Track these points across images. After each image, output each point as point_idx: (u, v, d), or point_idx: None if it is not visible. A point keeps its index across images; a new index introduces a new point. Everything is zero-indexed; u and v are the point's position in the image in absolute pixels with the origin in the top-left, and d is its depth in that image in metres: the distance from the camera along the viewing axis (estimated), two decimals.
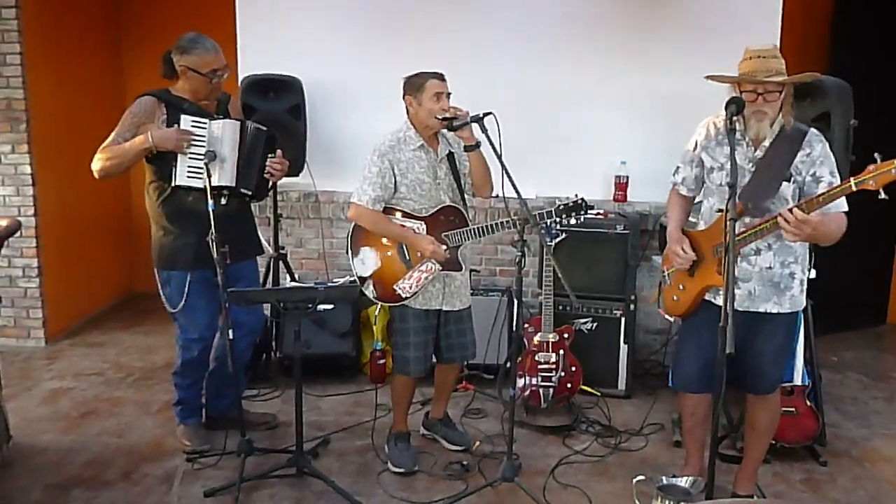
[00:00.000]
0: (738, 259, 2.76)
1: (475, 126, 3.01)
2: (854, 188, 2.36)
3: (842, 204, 2.60)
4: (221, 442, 3.39)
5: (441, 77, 3.16)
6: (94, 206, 5.41)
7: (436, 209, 3.21)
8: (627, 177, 4.45)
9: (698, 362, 2.92)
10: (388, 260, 3.23)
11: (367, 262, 3.25)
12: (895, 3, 5.11)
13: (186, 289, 3.25)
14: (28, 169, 4.73)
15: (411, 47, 4.38)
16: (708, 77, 2.72)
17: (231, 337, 3.06)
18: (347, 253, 3.29)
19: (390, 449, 3.41)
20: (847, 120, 3.34)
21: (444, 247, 3.17)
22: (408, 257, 3.21)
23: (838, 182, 2.60)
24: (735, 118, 2.57)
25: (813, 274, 3.70)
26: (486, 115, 2.99)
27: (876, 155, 2.38)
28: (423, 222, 3.20)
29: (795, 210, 2.44)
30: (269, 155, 3.36)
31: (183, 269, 3.25)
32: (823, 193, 2.47)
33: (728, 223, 2.43)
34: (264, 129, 3.36)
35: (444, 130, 3.21)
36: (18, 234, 4.43)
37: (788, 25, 4.31)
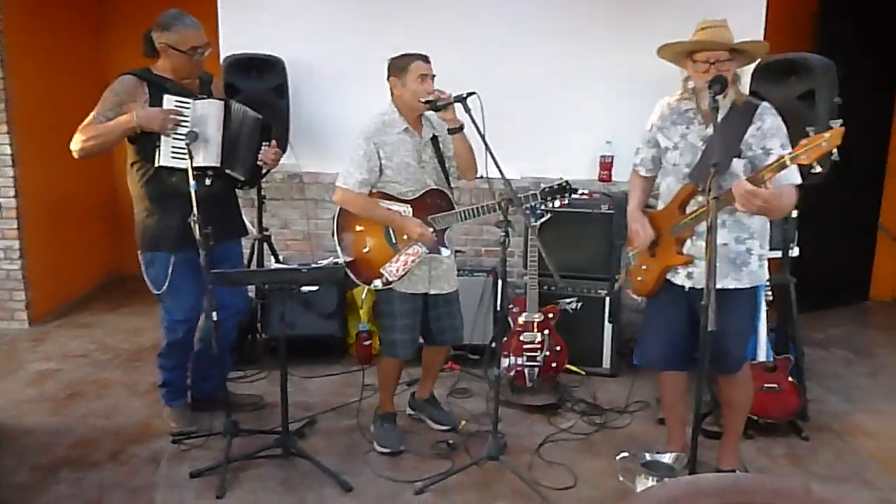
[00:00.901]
0: (694, 237, 2.81)
1: (459, 107, 3.00)
2: (789, 163, 2.41)
3: (792, 177, 2.62)
4: (207, 423, 3.40)
5: (426, 59, 3.13)
6: (77, 186, 5.37)
7: (422, 192, 3.20)
8: (612, 157, 4.45)
9: (661, 340, 2.98)
10: (374, 243, 3.22)
11: (353, 245, 3.23)
12: None
13: (170, 270, 3.23)
14: (8, 149, 4.67)
15: (395, 27, 4.35)
16: (660, 48, 2.75)
17: (216, 318, 3.06)
18: (333, 237, 3.27)
19: (377, 429, 3.42)
20: (831, 97, 3.34)
21: (431, 229, 3.17)
22: (394, 240, 3.21)
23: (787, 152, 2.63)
24: (718, 97, 2.57)
25: (796, 252, 3.75)
26: (469, 95, 2.97)
27: (808, 129, 2.42)
28: (409, 205, 3.19)
29: (744, 182, 2.47)
30: (264, 143, 3.35)
31: (166, 250, 3.23)
32: (765, 167, 2.50)
33: (712, 202, 2.44)
34: (260, 117, 3.35)
35: (428, 113, 3.19)
36: None
37: (774, 2, 4.30)
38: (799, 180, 2.67)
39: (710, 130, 2.73)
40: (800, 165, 2.48)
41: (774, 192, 2.51)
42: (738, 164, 2.69)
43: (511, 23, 4.43)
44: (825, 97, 3.35)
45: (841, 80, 3.37)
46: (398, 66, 3.13)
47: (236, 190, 3.49)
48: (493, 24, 4.42)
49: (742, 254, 2.78)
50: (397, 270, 3.18)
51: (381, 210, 3.18)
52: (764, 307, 3.42)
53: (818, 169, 2.42)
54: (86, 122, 3.10)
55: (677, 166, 2.84)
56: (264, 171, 3.45)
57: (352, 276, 3.23)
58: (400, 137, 3.17)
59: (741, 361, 2.94)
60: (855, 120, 3.49)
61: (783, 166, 2.43)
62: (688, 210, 2.80)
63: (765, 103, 2.74)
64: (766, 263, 2.87)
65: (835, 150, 2.39)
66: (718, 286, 2.73)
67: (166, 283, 3.24)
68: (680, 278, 2.87)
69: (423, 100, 3.06)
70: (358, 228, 3.23)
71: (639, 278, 3.01)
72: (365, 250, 3.22)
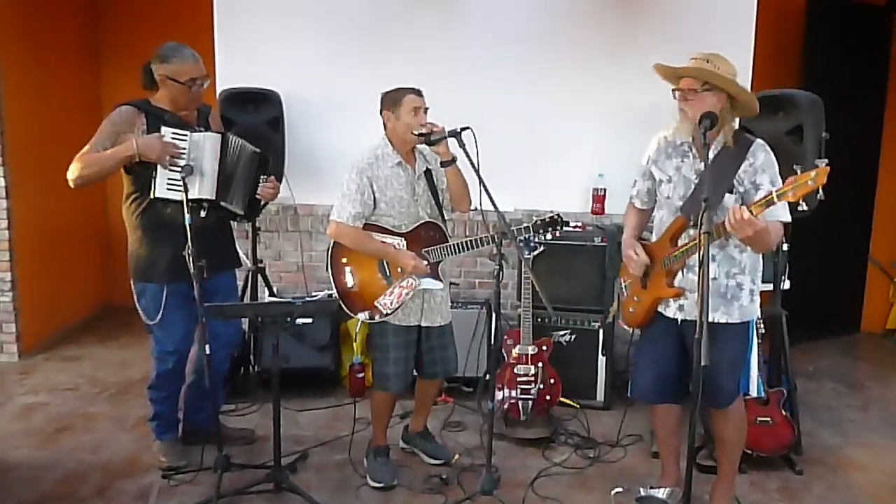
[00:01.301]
0: (685, 270, 2.82)
1: (452, 141, 3.02)
2: (776, 199, 2.43)
3: (781, 213, 2.64)
4: (198, 458, 3.36)
5: (418, 92, 3.17)
6: (69, 219, 5.36)
7: (415, 225, 3.22)
8: (605, 189, 4.49)
9: (652, 373, 2.98)
10: (368, 276, 3.22)
11: (347, 278, 3.24)
12: (866, 13, 5.22)
13: (163, 301, 3.23)
14: (2, 181, 4.67)
15: (390, 61, 4.40)
16: (655, 67, 2.79)
17: (208, 351, 3.04)
18: (327, 270, 3.28)
19: (369, 463, 3.40)
20: (819, 132, 3.39)
21: (425, 262, 3.18)
22: (388, 273, 3.21)
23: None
24: (708, 132, 2.61)
25: (787, 284, 3.77)
26: (463, 129, 2.99)
27: (795, 167, 2.44)
28: (402, 238, 3.21)
29: (743, 209, 2.47)
30: (262, 177, 3.37)
31: (159, 281, 3.22)
32: (754, 203, 2.50)
33: (704, 237, 2.45)
34: (258, 150, 3.37)
35: (421, 147, 3.22)
36: None
37: (762, 37, 4.39)
38: (787, 218, 2.69)
39: (703, 165, 2.76)
40: (788, 203, 2.51)
41: (766, 225, 2.52)
42: (729, 200, 2.70)
43: (505, 57, 4.48)
44: (813, 133, 3.40)
45: (828, 115, 3.43)
46: (391, 100, 3.16)
47: (231, 222, 3.50)
48: (488, 59, 4.47)
49: (732, 288, 2.79)
50: (391, 303, 3.18)
51: (375, 243, 3.19)
52: (756, 341, 3.43)
53: (804, 207, 2.45)
54: (83, 151, 3.11)
55: (670, 199, 2.86)
56: (262, 204, 3.47)
57: (345, 308, 3.23)
58: (393, 171, 3.18)
59: (733, 395, 2.92)
60: (844, 153, 3.56)
61: (770, 202, 2.46)
62: (679, 243, 2.82)
63: (759, 140, 2.77)
64: (757, 298, 2.88)
65: (820, 189, 2.41)
66: (709, 320, 2.76)
67: (159, 315, 3.23)
68: (671, 310, 2.88)
69: (416, 132, 3.08)
70: (352, 261, 3.24)
71: (630, 309, 3.02)
72: (358, 283, 3.22)
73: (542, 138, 4.51)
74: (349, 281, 3.23)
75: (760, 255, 2.86)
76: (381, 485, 3.29)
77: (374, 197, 3.16)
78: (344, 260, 3.24)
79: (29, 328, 4.93)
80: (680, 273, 2.83)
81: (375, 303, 3.18)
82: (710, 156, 2.70)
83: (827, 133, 3.40)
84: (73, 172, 3.09)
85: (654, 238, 2.96)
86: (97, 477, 3.34)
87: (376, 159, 3.18)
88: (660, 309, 2.91)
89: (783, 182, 2.64)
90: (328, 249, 3.28)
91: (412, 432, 3.61)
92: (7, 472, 3.38)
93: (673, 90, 2.76)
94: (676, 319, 2.86)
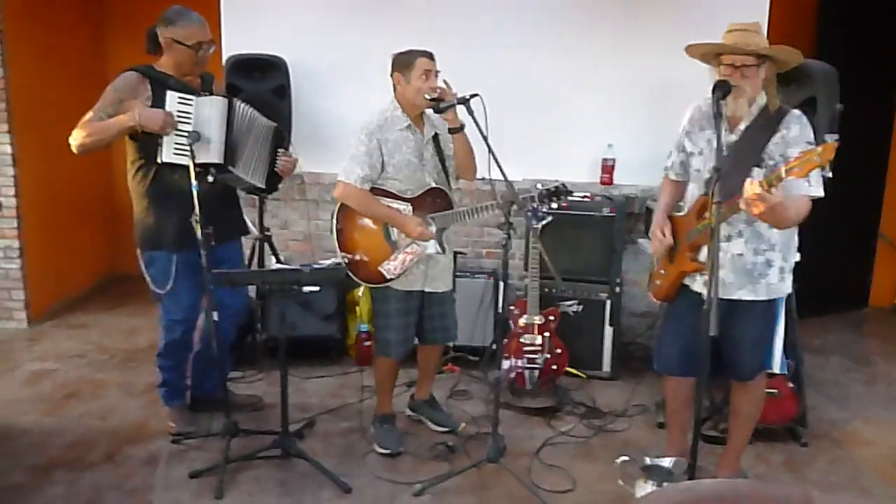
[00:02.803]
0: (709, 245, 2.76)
1: (461, 108, 2.99)
2: (784, 175, 2.33)
3: (810, 189, 2.53)
4: (206, 424, 3.39)
5: (430, 55, 3.13)
6: (76, 186, 5.35)
7: (422, 191, 3.20)
8: (614, 160, 4.45)
9: (677, 345, 2.95)
10: (373, 241, 3.20)
11: (352, 242, 3.22)
12: None
13: (173, 270, 3.22)
14: (8, 149, 4.66)
15: (396, 29, 4.33)
16: (688, 47, 2.69)
17: (216, 319, 3.05)
18: (332, 233, 3.26)
19: (376, 430, 3.41)
20: (833, 104, 3.34)
21: (432, 228, 3.17)
22: (393, 238, 3.20)
23: None
24: (722, 102, 2.56)
25: (797, 258, 3.74)
26: (472, 96, 2.97)
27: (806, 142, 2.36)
28: (409, 204, 3.19)
29: (755, 184, 2.37)
30: (279, 150, 3.36)
31: (168, 249, 3.21)
32: (765, 178, 2.41)
33: (714, 207, 2.42)
34: (274, 124, 3.36)
35: (429, 112, 3.19)
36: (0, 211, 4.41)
37: (776, 8, 4.31)
38: (820, 193, 2.58)
39: (733, 137, 2.68)
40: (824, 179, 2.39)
41: (782, 201, 2.41)
42: (758, 174, 2.59)
43: (514, 25, 4.42)
44: (826, 104, 3.34)
45: (842, 87, 3.37)
46: (402, 62, 3.12)
47: (250, 193, 3.49)
48: (497, 26, 4.42)
49: (761, 265, 2.73)
50: (395, 269, 3.17)
51: (382, 207, 3.16)
52: (783, 319, 3.39)
53: (812, 185, 2.37)
54: (86, 117, 3.09)
55: (700, 172, 2.79)
56: (281, 177, 3.46)
57: (350, 273, 3.22)
58: (402, 134, 3.16)
59: (755, 371, 2.91)
60: (856, 127, 3.51)
61: (779, 178, 2.36)
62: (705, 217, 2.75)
63: (794, 111, 2.67)
64: (789, 276, 2.80)
65: (827, 165, 2.35)
66: (734, 297, 2.73)
67: (169, 283, 3.23)
68: (697, 285, 2.82)
69: (427, 97, 3.05)
70: (357, 225, 3.22)
71: (657, 282, 2.99)
72: (364, 248, 3.21)
73: (552, 108, 4.46)
74: (354, 245, 3.21)
75: (795, 232, 2.78)
76: (387, 451, 3.31)
77: (383, 160, 3.13)
78: (349, 223, 3.22)
79: (37, 296, 4.95)
80: (704, 247, 2.77)
81: (380, 268, 3.18)
82: (741, 127, 2.65)
83: (841, 104, 3.35)
84: (75, 139, 3.07)
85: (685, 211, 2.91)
86: (106, 442, 3.37)
87: (385, 121, 3.15)
88: (686, 282, 2.88)
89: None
90: (333, 212, 3.25)
91: (418, 400, 3.63)
92: (16, 437, 3.41)
93: (721, 65, 2.62)
94: (702, 294, 2.82)
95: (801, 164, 2.31)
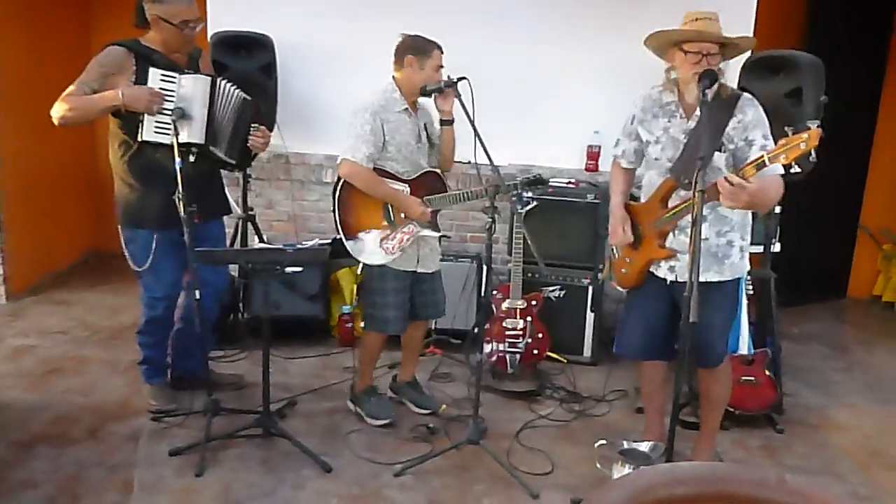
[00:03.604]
0: (676, 232, 2.81)
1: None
2: (768, 162, 2.41)
3: (777, 167, 2.60)
4: (188, 402, 3.39)
5: (442, 50, 3.20)
6: (58, 161, 5.30)
7: (418, 173, 3.24)
8: (599, 146, 4.46)
9: (640, 330, 3.00)
10: (372, 220, 3.23)
11: (352, 220, 3.24)
12: None
13: (153, 248, 3.21)
14: None
15: (385, 11, 4.31)
16: (649, 37, 2.74)
17: (198, 297, 3.04)
18: (334, 211, 3.24)
19: (365, 404, 3.45)
20: (818, 95, 3.37)
21: (429, 209, 3.23)
22: (392, 218, 3.22)
23: (771, 145, 2.62)
24: (707, 91, 2.57)
25: (778, 247, 3.79)
26: (459, 79, 2.99)
27: (787, 128, 2.42)
28: (406, 185, 3.22)
29: (731, 176, 2.46)
30: (252, 126, 3.32)
31: (149, 227, 3.20)
32: (745, 165, 2.50)
33: (698, 195, 2.44)
34: (249, 98, 3.32)
35: (422, 101, 3.24)
36: None
37: None
38: (781, 170, 2.66)
39: (691, 124, 2.73)
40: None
41: (761, 185, 2.50)
42: (719, 158, 2.68)
43: (501, 11, 4.41)
44: (812, 95, 3.37)
45: (828, 79, 3.40)
46: (420, 49, 3.15)
47: (222, 169, 3.47)
48: (484, 12, 4.40)
49: (723, 246, 2.79)
50: (393, 248, 3.20)
51: (387, 187, 3.18)
52: (745, 300, 3.45)
53: (797, 168, 2.44)
54: (69, 90, 3.04)
55: (659, 160, 2.83)
56: (254, 154, 3.43)
57: (351, 251, 3.23)
58: (400, 116, 3.19)
59: (723, 355, 2.95)
60: (841, 118, 3.54)
61: (762, 165, 2.43)
62: (670, 204, 2.80)
63: (745, 94, 2.74)
64: (747, 255, 2.89)
65: (812, 152, 2.40)
66: (701, 279, 2.73)
67: (148, 261, 3.22)
68: (662, 271, 2.88)
69: (430, 87, 3.12)
70: (358, 204, 3.22)
71: (622, 270, 3.02)
72: (364, 227, 3.23)
73: (538, 94, 4.47)
74: (354, 223, 3.23)
75: (749, 213, 2.85)
76: (385, 421, 3.38)
77: (385, 139, 3.15)
78: (350, 202, 3.22)
79: (18, 271, 4.91)
80: (671, 234, 2.83)
81: (380, 246, 3.21)
82: (697, 114, 2.68)
83: (826, 96, 3.37)
84: (57, 111, 3.03)
85: (642, 199, 2.95)
86: (88, 418, 3.37)
87: (387, 102, 3.18)
88: (651, 269, 2.92)
89: (774, 137, 2.63)
90: (335, 189, 3.23)
91: (401, 382, 3.65)
92: None
93: (682, 51, 2.67)
94: (667, 280, 2.87)
95: (786, 151, 2.35)
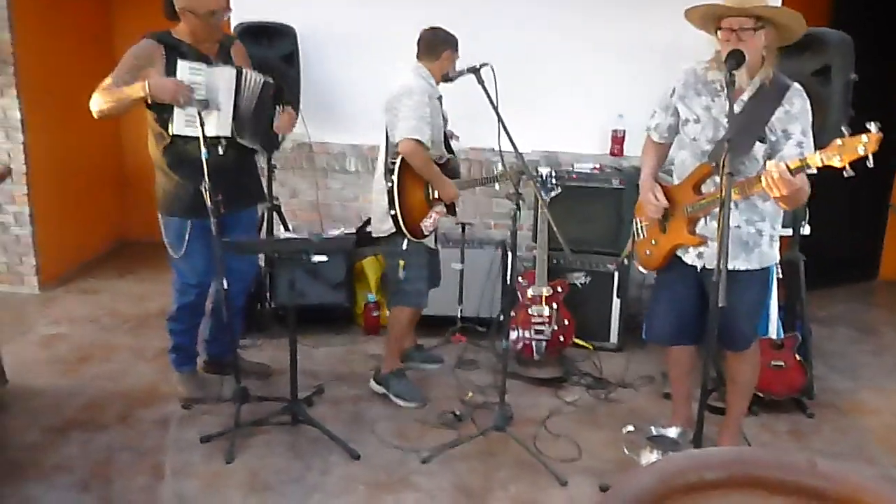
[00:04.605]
0: (707, 218, 2.73)
1: (471, 76, 3.01)
2: (820, 163, 2.26)
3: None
4: (216, 389, 3.43)
5: None
6: (85, 152, 5.36)
7: (445, 158, 3.42)
8: (624, 131, 4.42)
9: (670, 316, 2.95)
10: (417, 198, 3.36)
11: (405, 197, 3.33)
12: None
13: (187, 235, 3.25)
14: (17, 114, 4.65)
15: (405, 0, 4.29)
16: (687, 11, 2.57)
17: (225, 285, 3.07)
18: (391, 184, 3.26)
19: (395, 385, 3.51)
20: (847, 73, 3.29)
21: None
22: (430, 199, 3.37)
23: (808, 142, 2.54)
24: (734, 72, 2.49)
25: (807, 230, 3.73)
26: (482, 66, 2.98)
27: (844, 129, 2.26)
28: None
29: (781, 165, 2.31)
30: (277, 108, 3.35)
31: (182, 215, 3.24)
32: (789, 165, 2.32)
33: (726, 178, 2.37)
34: (270, 80, 3.32)
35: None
36: (9, 179, 4.41)
37: None
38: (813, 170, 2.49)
39: (735, 107, 2.57)
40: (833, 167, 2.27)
41: (803, 186, 2.39)
42: (759, 149, 2.58)
43: None
44: (841, 74, 3.29)
45: (857, 56, 3.32)
46: (454, 44, 3.39)
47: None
48: None
49: (753, 236, 2.72)
50: (430, 226, 3.37)
51: (435, 169, 3.33)
52: (775, 285, 3.40)
53: (851, 172, 2.28)
54: (105, 83, 3.07)
55: (696, 141, 2.73)
56: (280, 137, 3.44)
57: (402, 226, 3.30)
58: (435, 104, 3.33)
59: (751, 339, 2.92)
60: (871, 97, 3.46)
61: (807, 167, 2.29)
62: (703, 190, 2.72)
63: (796, 84, 2.60)
64: (777, 244, 2.82)
65: (871, 156, 2.24)
66: (730, 267, 2.64)
67: (183, 248, 3.26)
68: (690, 257, 2.82)
69: (452, 74, 3.26)
70: (409, 182, 3.32)
71: (647, 252, 2.98)
72: (410, 204, 3.34)
73: (562, 78, 4.42)
74: (407, 200, 3.32)
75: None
76: (414, 404, 3.45)
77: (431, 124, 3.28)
78: (405, 180, 3.31)
79: (48, 261, 4.99)
80: (702, 220, 2.75)
81: (420, 224, 3.34)
82: (744, 98, 2.59)
83: (856, 75, 3.30)
84: (94, 104, 3.08)
85: (675, 180, 2.87)
86: (118, 404, 3.43)
87: (430, 88, 3.32)
88: (678, 253, 2.87)
89: (812, 132, 2.53)
90: (395, 168, 3.26)
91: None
92: (31, 398, 3.47)
93: (717, 29, 2.54)
94: (696, 266, 2.82)
95: (841, 153, 2.20)
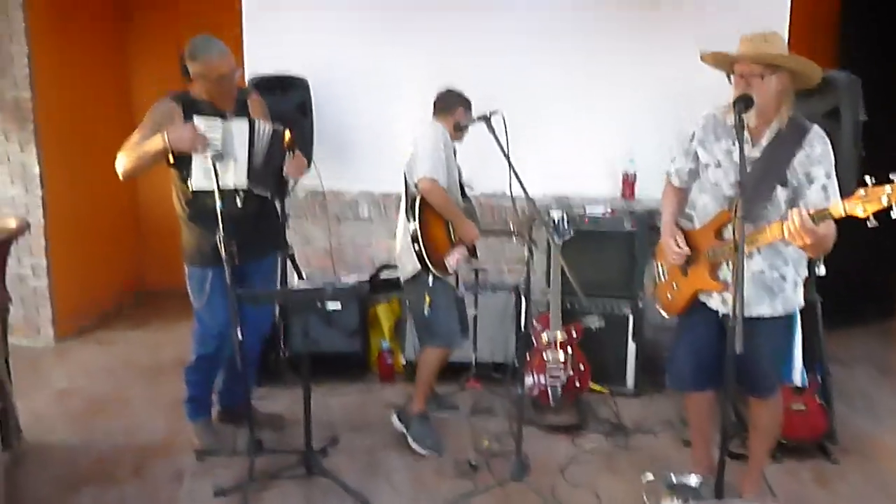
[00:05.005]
0: (729, 263, 2.67)
1: (481, 124, 3.05)
2: (844, 213, 2.23)
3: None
4: (231, 439, 3.41)
5: None
6: (101, 205, 5.42)
7: (460, 206, 3.53)
8: (635, 173, 4.43)
9: (691, 362, 2.90)
10: (440, 236, 3.46)
11: (428, 234, 3.42)
12: None
13: (207, 285, 3.28)
14: (36, 169, 4.73)
15: (417, 45, 4.37)
16: (702, 55, 2.60)
17: (241, 336, 3.07)
18: (410, 219, 3.38)
19: (416, 430, 3.48)
20: (856, 115, 3.30)
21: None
22: (453, 238, 3.47)
23: (832, 185, 2.52)
24: (743, 115, 2.50)
25: (822, 271, 3.69)
26: (492, 113, 3.00)
27: (868, 178, 2.23)
28: None
29: (804, 213, 2.29)
30: (288, 154, 3.37)
31: (203, 265, 3.28)
32: (812, 213, 2.30)
33: (737, 221, 2.36)
34: (279, 127, 3.36)
35: None
36: (28, 233, 4.46)
37: (797, 14, 4.29)
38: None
39: (755, 152, 2.59)
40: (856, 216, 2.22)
41: (828, 233, 2.36)
42: (782, 194, 2.56)
43: (533, 38, 4.43)
44: (850, 115, 3.30)
45: (866, 96, 3.33)
46: (467, 104, 3.58)
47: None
48: (515, 40, 4.42)
49: (777, 281, 2.68)
50: (454, 263, 3.45)
51: (455, 207, 3.46)
52: (799, 330, 3.34)
53: (874, 223, 2.25)
54: (128, 143, 3.15)
55: (718, 186, 2.71)
56: (291, 182, 3.47)
57: (427, 261, 3.36)
58: (450, 154, 3.45)
59: (776, 385, 2.86)
60: (882, 137, 3.47)
61: (829, 216, 2.26)
62: (725, 236, 2.68)
63: (816, 127, 2.59)
64: (801, 288, 2.76)
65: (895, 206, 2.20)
66: (753, 314, 2.66)
67: (205, 297, 3.29)
68: (714, 302, 2.78)
69: (463, 123, 3.50)
70: (431, 221, 3.42)
71: (668, 296, 2.95)
72: (434, 240, 3.43)
73: (572, 121, 4.46)
74: (430, 237, 3.41)
75: None
76: (435, 452, 3.42)
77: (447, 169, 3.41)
78: (426, 217, 3.40)
79: (64, 312, 5.02)
80: (725, 265, 2.71)
81: (445, 260, 3.41)
82: (763, 143, 2.59)
83: (865, 115, 3.30)
84: (119, 164, 3.15)
85: (696, 225, 2.85)
86: (132, 458, 3.41)
87: (448, 138, 3.44)
88: (702, 298, 2.83)
89: (837, 176, 2.49)
90: (416, 206, 3.39)
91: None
92: (44, 452, 3.45)
93: (729, 75, 2.56)
94: (718, 311, 2.78)
95: (864, 203, 2.17)
